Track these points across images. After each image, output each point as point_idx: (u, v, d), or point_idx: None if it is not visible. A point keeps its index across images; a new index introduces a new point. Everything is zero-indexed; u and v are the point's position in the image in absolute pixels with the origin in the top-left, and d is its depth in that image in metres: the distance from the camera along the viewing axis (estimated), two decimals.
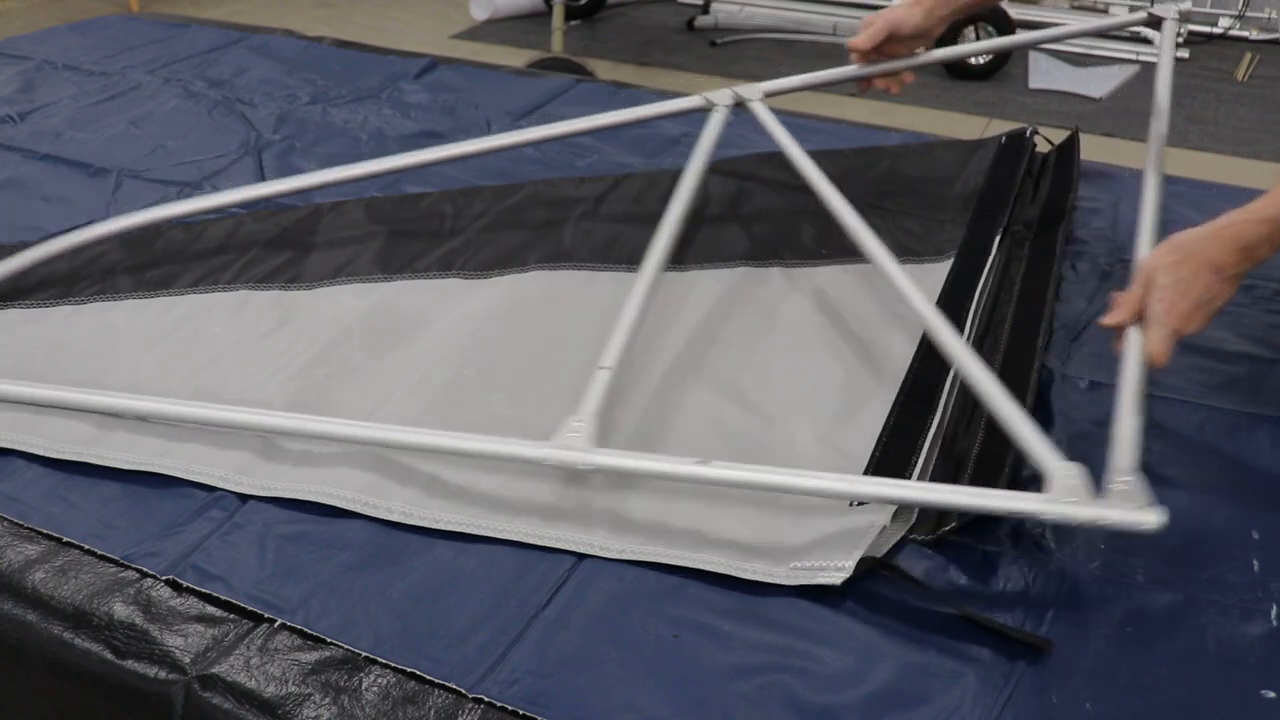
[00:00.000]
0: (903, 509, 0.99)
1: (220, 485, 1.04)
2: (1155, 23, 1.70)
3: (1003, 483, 1.00)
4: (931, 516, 0.99)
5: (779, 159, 1.70)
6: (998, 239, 1.45)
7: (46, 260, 1.41)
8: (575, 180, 1.65)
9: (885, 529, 0.96)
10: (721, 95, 1.58)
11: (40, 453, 1.08)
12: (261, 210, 1.57)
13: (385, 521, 1.00)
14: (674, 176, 1.64)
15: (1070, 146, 1.70)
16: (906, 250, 1.45)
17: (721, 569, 0.93)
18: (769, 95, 1.59)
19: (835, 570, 0.91)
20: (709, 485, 1.00)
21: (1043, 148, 1.74)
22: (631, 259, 1.43)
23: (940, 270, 1.41)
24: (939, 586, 0.92)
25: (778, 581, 0.92)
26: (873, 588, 0.92)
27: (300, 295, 1.36)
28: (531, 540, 0.97)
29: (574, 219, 1.53)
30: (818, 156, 1.70)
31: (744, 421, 1.13)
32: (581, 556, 0.95)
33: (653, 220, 1.52)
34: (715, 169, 1.68)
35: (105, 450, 1.08)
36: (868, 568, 0.92)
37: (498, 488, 1.04)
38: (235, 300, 1.35)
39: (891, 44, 1.49)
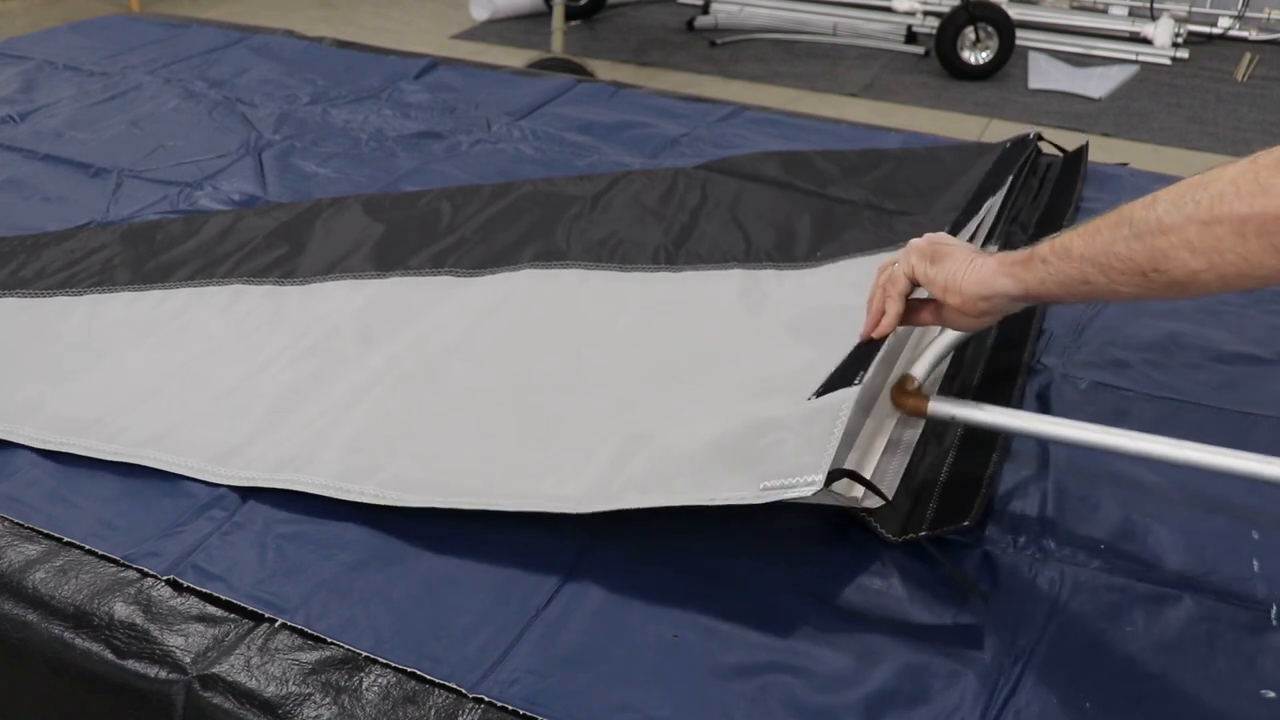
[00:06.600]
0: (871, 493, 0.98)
1: (196, 476, 1.04)
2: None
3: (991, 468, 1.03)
4: (900, 513, 0.98)
5: (777, 159, 1.71)
6: (985, 235, 1.43)
7: (45, 251, 1.42)
8: (573, 179, 1.65)
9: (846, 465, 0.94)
10: None
11: (26, 443, 1.09)
12: (261, 205, 1.57)
13: (386, 521, 0.99)
14: (673, 176, 1.65)
15: (1078, 157, 1.69)
16: None
17: (692, 500, 0.92)
18: None
19: (805, 485, 0.89)
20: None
21: (1047, 150, 1.74)
22: (625, 258, 1.43)
23: None
24: (939, 585, 0.92)
25: (749, 502, 0.90)
26: (872, 587, 0.93)
27: (293, 290, 1.37)
28: (502, 508, 0.97)
29: (569, 218, 1.53)
30: (818, 157, 1.71)
31: (739, 423, 1.13)
32: (581, 557, 0.95)
33: (649, 219, 1.53)
34: (714, 168, 1.68)
35: (90, 440, 1.09)
36: (837, 479, 0.91)
37: (468, 461, 1.05)
38: (229, 294, 1.36)
39: None
